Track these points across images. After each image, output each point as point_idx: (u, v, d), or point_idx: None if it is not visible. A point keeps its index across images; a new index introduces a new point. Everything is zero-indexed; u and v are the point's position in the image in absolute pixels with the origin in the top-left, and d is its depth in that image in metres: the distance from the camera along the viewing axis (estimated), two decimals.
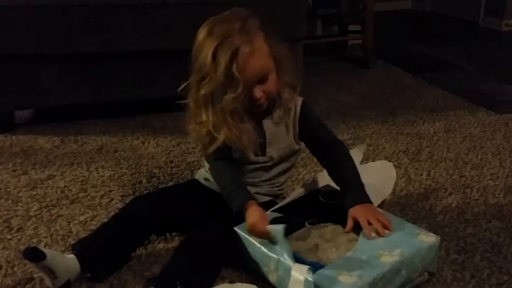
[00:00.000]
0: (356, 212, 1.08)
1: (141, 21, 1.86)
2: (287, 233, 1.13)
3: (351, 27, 3.10)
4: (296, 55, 2.04)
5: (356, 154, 1.38)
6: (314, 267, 0.96)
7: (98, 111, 2.07)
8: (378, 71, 2.75)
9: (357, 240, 1.04)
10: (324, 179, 1.29)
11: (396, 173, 1.54)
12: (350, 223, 1.08)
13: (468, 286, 1.06)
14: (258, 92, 1.06)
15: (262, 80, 1.06)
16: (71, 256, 1.07)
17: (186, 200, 1.22)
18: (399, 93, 2.34)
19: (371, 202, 1.11)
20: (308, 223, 1.16)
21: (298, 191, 1.25)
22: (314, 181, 1.30)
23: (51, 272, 1.01)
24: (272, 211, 1.16)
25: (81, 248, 1.10)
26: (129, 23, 1.86)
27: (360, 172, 1.17)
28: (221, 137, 1.07)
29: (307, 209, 1.19)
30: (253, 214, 1.06)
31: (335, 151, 1.19)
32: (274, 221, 1.13)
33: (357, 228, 1.07)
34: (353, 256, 1.00)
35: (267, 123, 1.16)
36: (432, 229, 1.25)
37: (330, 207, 1.18)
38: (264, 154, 1.17)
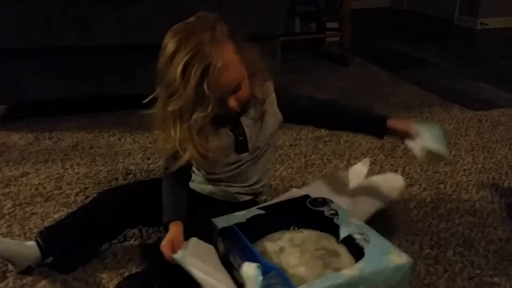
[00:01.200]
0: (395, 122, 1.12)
1: (121, 15, 1.84)
2: (264, 234, 1.10)
3: (329, 25, 3.12)
4: (271, 51, 2.05)
5: (361, 169, 1.38)
6: (268, 268, 0.93)
7: (74, 107, 2.04)
8: (355, 68, 2.77)
9: (325, 249, 1.01)
10: (315, 190, 1.27)
11: (372, 169, 1.57)
12: (403, 125, 1.12)
13: (441, 280, 1.08)
14: (232, 102, 1.03)
15: (235, 90, 1.03)
16: (31, 243, 1.09)
17: (158, 195, 1.19)
18: (375, 90, 2.37)
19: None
20: (293, 228, 1.13)
21: (287, 195, 1.24)
22: (304, 189, 1.30)
23: (7, 260, 1.07)
24: (257, 208, 1.15)
25: (43, 235, 1.11)
26: (108, 17, 1.83)
27: (363, 185, 1.24)
28: (186, 155, 1.03)
29: (293, 213, 1.16)
30: (168, 235, 1.02)
31: (332, 106, 1.20)
32: (254, 218, 1.12)
33: (326, 239, 1.05)
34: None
35: (244, 120, 1.14)
36: (406, 224, 1.27)
37: (315, 214, 1.15)
38: (246, 150, 1.15)
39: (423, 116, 2.03)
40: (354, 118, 1.17)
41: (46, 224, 1.27)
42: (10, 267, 1.10)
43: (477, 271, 1.11)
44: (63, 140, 1.79)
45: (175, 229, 1.02)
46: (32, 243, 1.09)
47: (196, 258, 0.98)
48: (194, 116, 0.98)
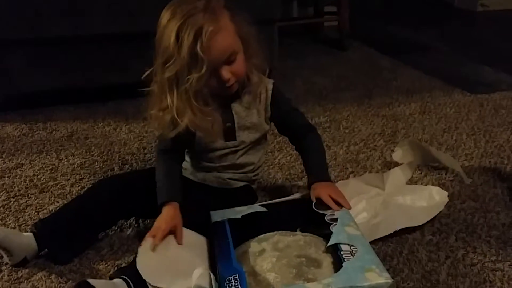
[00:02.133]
0: (318, 189, 1.09)
1: (112, 3, 1.81)
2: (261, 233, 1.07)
3: (327, 9, 3.07)
4: (268, 37, 2.01)
5: (402, 174, 1.35)
6: (233, 270, 0.91)
7: (68, 97, 2.01)
8: (354, 53, 2.73)
9: (306, 258, 0.96)
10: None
11: (372, 155, 1.54)
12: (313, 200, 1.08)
13: (443, 267, 1.06)
14: (226, 73, 1.03)
15: (229, 60, 1.03)
16: (28, 234, 1.08)
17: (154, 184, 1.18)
18: (375, 75, 2.34)
19: (330, 181, 1.14)
20: (300, 230, 1.09)
21: (296, 195, 1.21)
22: None
23: (5, 250, 1.05)
24: (260, 205, 1.12)
25: (39, 227, 1.10)
26: (99, 6, 1.80)
27: (403, 191, 1.24)
28: (184, 121, 1.04)
29: (299, 214, 1.14)
30: (163, 216, 1.04)
31: (308, 138, 1.19)
32: (253, 215, 1.10)
33: (315, 246, 1.01)
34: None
35: (235, 107, 1.13)
36: None
37: (318, 217, 1.10)
38: (233, 139, 1.14)
39: (424, 100, 2.00)
40: (306, 162, 1.20)
41: (41, 215, 1.25)
42: (5, 260, 1.08)
43: (480, 257, 1.09)
44: (57, 130, 1.76)
45: (169, 211, 1.04)
46: (29, 234, 1.08)
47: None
48: (189, 77, 0.99)
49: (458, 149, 1.59)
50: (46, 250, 1.10)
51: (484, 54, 2.62)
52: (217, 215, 1.08)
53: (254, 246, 1.01)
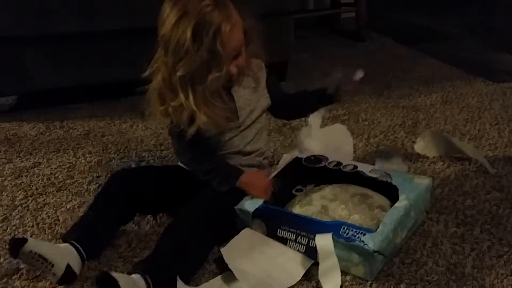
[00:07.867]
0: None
1: None
2: (281, 202, 1.13)
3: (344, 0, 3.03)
4: (284, 29, 2.00)
5: (315, 120, 1.36)
6: (335, 225, 0.98)
7: (84, 95, 2.01)
8: (372, 44, 2.69)
9: (359, 194, 1.08)
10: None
11: (393, 148, 1.52)
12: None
13: (468, 259, 1.03)
14: (233, 67, 1.06)
15: (236, 55, 1.05)
16: (63, 245, 1.03)
17: (168, 179, 1.19)
18: (394, 66, 2.29)
19: None
20: (295, 191, 1.17)
21: (283, 160, 1.25)
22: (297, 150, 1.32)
23: (42, 259, 0.96)
24: None
25: (73, 234, 1.06)
26: (115, 1, 1.79)
27: (319, 136, 1.30)
28: (202, 119, 1.04)
29: (292, 176, 1.19)
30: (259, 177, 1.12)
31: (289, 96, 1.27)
32: None
33: (350, 187, 1.12)
34: None
35: (235, 90, 1.14)
36: (430, 202, 1.21)
37: (313, 171, 1.19)
38: (237, 119, 1.15)
39: (445, 90, 1.95)
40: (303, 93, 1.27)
41: (59, 214, 1.25)
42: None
43: (506, 249, 1.06)
44: (74, 128, 1.77)
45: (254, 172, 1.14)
46: (64, 244, 1.04)
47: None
48: (210, 76, 1.00)
49: (482, 139, 1.55)
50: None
51: (505, 42, 2.55)
52: (249, 205, 1.08)
53: (309, 209, 1.07)
